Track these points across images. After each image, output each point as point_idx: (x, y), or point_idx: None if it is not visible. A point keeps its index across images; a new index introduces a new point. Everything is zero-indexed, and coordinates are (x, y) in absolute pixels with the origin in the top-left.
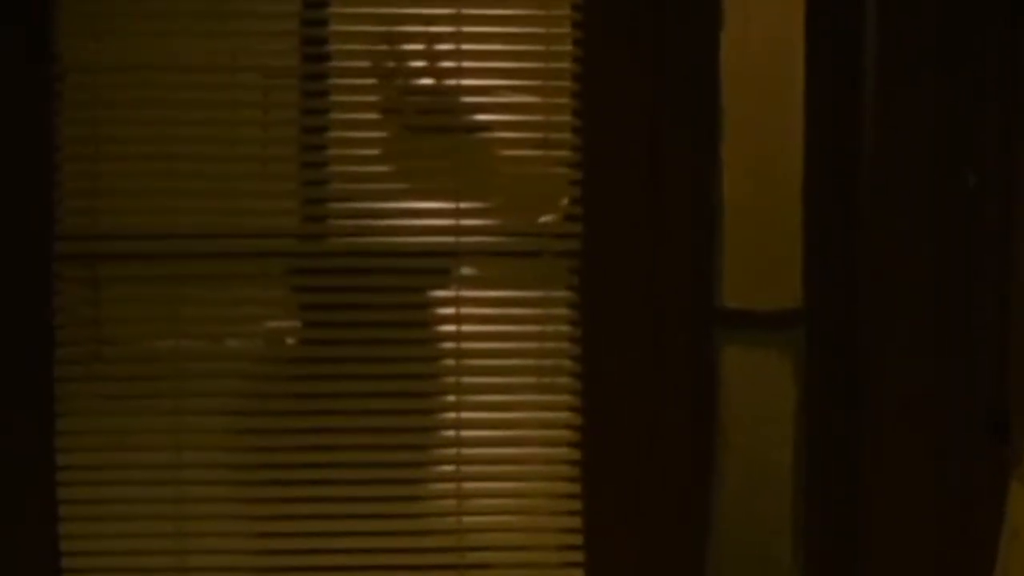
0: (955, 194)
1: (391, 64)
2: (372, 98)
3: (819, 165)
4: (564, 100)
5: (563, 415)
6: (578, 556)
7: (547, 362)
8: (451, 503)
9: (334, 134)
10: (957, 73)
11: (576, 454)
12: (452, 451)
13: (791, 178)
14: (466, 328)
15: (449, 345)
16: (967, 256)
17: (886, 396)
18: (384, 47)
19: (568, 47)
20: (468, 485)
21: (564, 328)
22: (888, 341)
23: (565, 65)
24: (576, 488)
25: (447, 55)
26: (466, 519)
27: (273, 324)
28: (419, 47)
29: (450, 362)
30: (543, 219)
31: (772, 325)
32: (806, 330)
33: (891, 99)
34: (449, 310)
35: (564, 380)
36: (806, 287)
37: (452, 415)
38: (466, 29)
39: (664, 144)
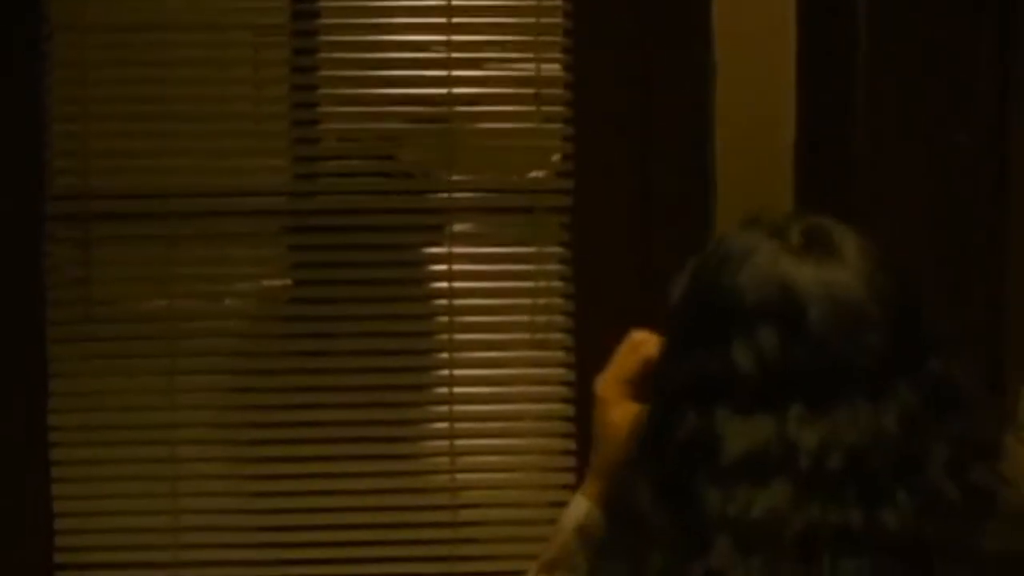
0: (948, 154)
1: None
2: (364, 55)
3: (812, 122)
4: (555, 54)
5: (556, 371)
6: None
7: (540, 318)
8: (444, 460)
9: (325, 91)
10: (951, 31)
11: (570, 410)
12: (445, 408)
13: (783, 137)
14: (458, 285)
15: (442, 302)
16: (961, 212)
17: None
18: None
19: (560, 2)
20: (461, 442)
21: (557, 284)
22: None
23: (557, 20)
24: (570, 444)
25: (438, 11)
26: (459, 476)
27: (265, 283)
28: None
29: (443, 319)
30: (534, 175)
31: None
32: None
33: (884, 56)
34: (441, 267)
35: (557, 336)
36: None
37: (445, 372)
38: None
39: (656, 98)
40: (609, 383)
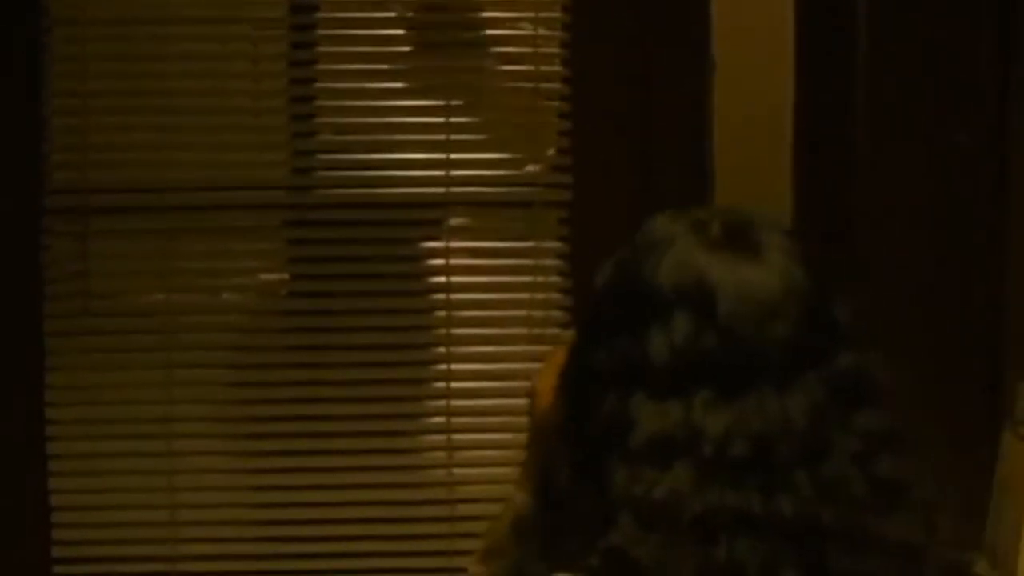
0: (949, 148)
1: None
2: (362, 49)
3: (811, 116)
4: (554, 49)
5: None
6: None
7: (537, 313)
8: (442, 455)
9: (323, 85)
10: (951, 31)
11: None
12: (442, 403)
13: (781, 131)
14: (456, 279)
15: (439, 296)
16: (962, 208)
17: (880, 347)
18: None
19: None
20: (459, 436)
21: (554, 279)
22: (879, 295)
23: (556, 14)
24: None
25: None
26: (457, 471)
27: (264, 276)
28: None
29: (441, 313)
30: (532, 168)
31: None
32: None
33: (885, 50)
34: (439, 261)
35: (555, 331)
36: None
37: (443, 366)
38: None
39: (655, 95)
40: (545, 378)
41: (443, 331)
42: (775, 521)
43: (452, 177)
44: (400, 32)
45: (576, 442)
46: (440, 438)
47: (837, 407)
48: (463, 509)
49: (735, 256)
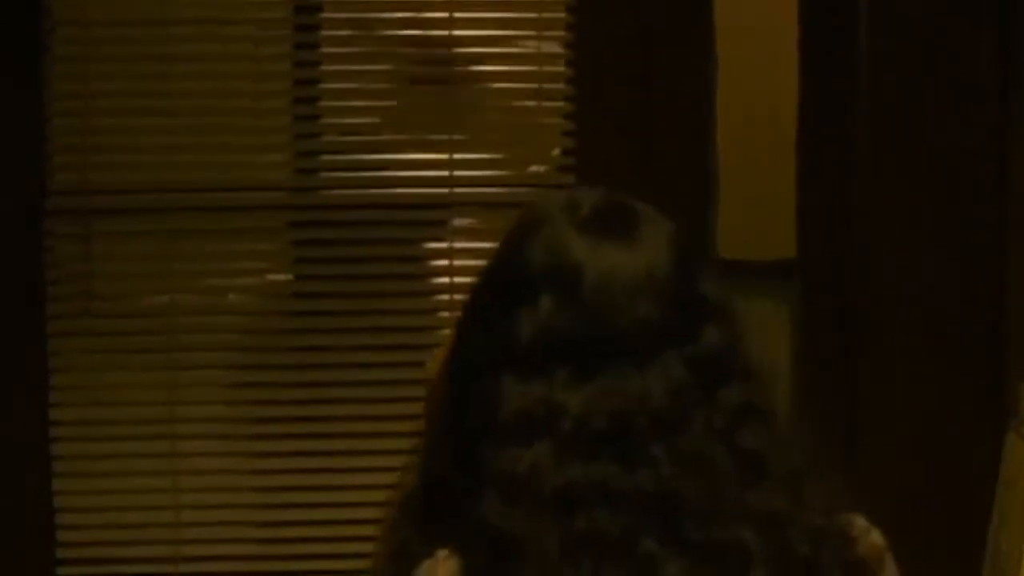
0: (950, 147)
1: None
2: (365, 49)
3: (813, 116)
4: (558, 50)
5: None
6: None
7: None
8: None
9: (327, 86)
10: (953, 21)
11: None
12: None
13: (785, 129)
14: (460, 280)
15: (443, 297)
16: (963, 207)
17: (880, 347)
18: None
19: None
20: None
21: None
22: (881, 292)
23: (560, 15)
24: None
25: (441, 6)
26: None
27: (267, 277)
28: None
29: (444, 314)
30: (535, 169)
31: (767, 276)
32: (801, 281)
33: (886, 50)
34: (443, 261)
35: None
36: (800, 238)
37: None
38: None
39: (658, 95)
40: (437, 364)
41: (447, 332)
42: (633, 493)
43: (456, 178)
44: (403, 33)
45: (453, 423)
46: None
47: (699, 384)
48: None
49: (602, 237)
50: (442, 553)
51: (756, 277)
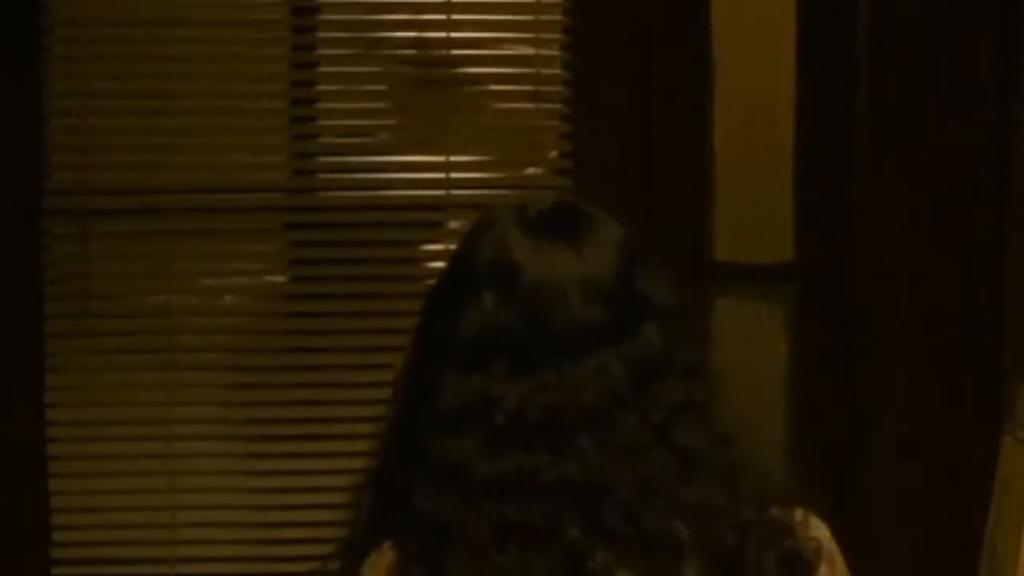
0: (949, 149)
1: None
2: (362, 51)
3: (811, 118)
4: (555, 52)
5: None
6: None
7: None
8: None
9: (324, 87)
10: (953, 21)
11: None
12: None
13: (782, 131)
14: None
15: None
16: (962, 208)
17: (877, 349)
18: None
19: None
20: None
21: None
22: (879, 295)
23: (556, 17)
24: None
25: (438, 7)
26: None
27: (264, 278)
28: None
29: None
30: (532, 171)
31: (764, 278)
32: (798, 283)
33: (885, 50)
34: (439, 263)
35: None
36: (798, 240)
37: None
38: None
39: (655, 97)
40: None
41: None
42: (561, 483)
43: (452, 180)
44: (400, 35)
45: (403, 416)
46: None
47: (636, 381)
48: None
49: (547, 239)
50: (387, 544)
51: (754, 280)
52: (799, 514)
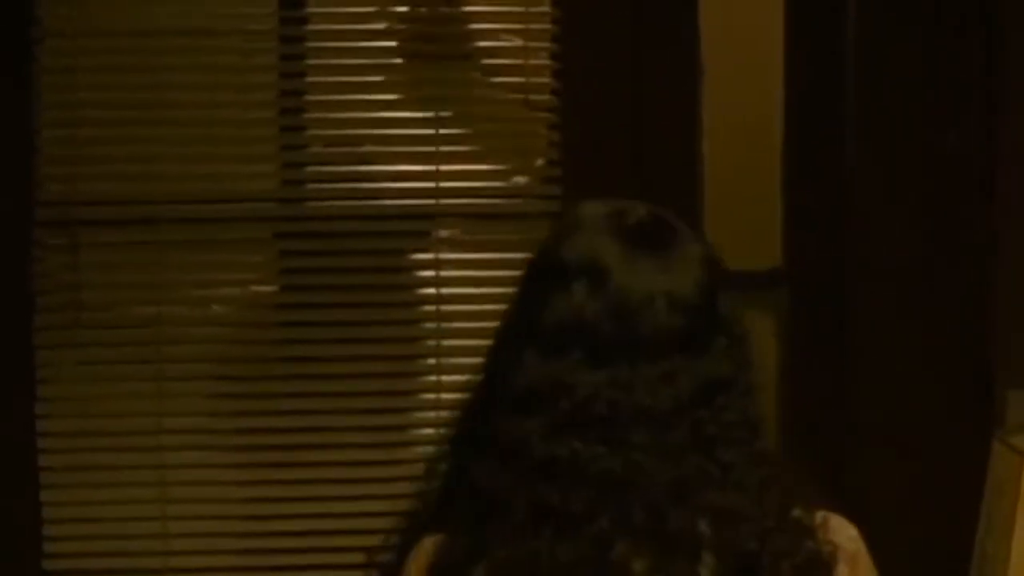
0: (938, 153)
1: None
2: (351, 61)
3: (799, 124)
4: (543, 60)
5: None
6: None
7: None
8: None
9: (313, 97)
10: (940, 30)
11: None
12: (433, 414)
13: (771, 137)
14: (446, 290)
15: (430, 307)
16: (951, 214)
17: (868, 355)
18: None
19: (547, 8)
20: None
21: None
22: (870, 301)
23: (545, 26)
24: None
25: (428, 18)
26: None
27: (254, 288)
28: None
29: (431, 324)
30: (521, 179)
31: (754, 285)
32: (788, 289)
33: (873, 57)
34: (429, 272)
35: None
36: (787, 246)
37: (433, 378)
38: None
39: (644, 105)
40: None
41: (433, 343)
42: (605, 475)
43: (442, 188)
44: (389, 44)
45: (477, 396)
46: (431, 450)
47: (699, 392)
48: None
49: (638, 249)
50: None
51: (743, 286)
52: (819, 517)
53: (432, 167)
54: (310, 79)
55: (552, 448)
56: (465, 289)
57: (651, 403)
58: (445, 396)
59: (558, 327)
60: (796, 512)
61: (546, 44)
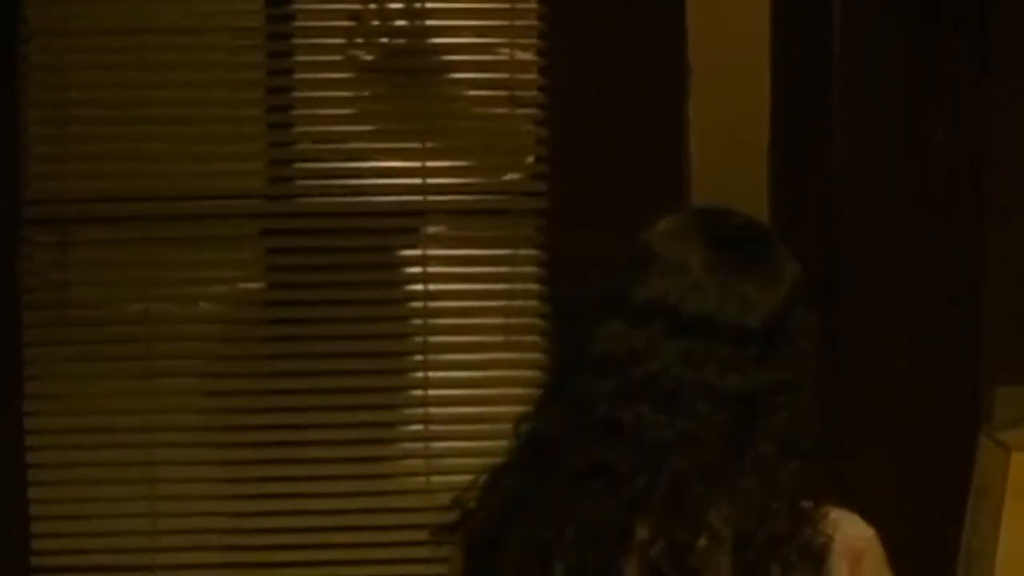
0: (927, 151)
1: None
2: (338, 58)
3: (786, 122)
4: (531, 57)
5: (531, 374)
6: None
7: (515, 320)
8: (419, 463)
9: (300, 94)
10: (928, 27)
11: None
12: (420, 410)
13: (758, 136)
14: (433, 287)
15: (417, 304)
16: (940, 212)
17: (856, 352)
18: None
19: (534, 5)
20: (436, 444)
21: (531, 286)
22: (858, 299)
23: (532, 23)
24: None
25: (414, 13)
26: (434, 479)
27: (242, 285)
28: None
29: (418, 321)
30: (508, 176)
31: None
32: None
33: (861, 56)
34: (416, 269)
35: (532, 339)
36: None
37: (420, 374)
38: None
39: (631, 102)
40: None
41: (420, 339)
42: (657, 443)
43: (429, 186)
44: (377, 42)
45: (558, 359)
46: (418, 445)
47: (762, 387)
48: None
49: (730, 255)
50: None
51: None
52: (831, 512)
53: (419, 164)
54: (297, 76)
55: (617, 410)
56: (452, 285)
57: (716, 384)
58: (432, 392)
59: (646, 301)
60: (804, 504)
61: (533, 41)
